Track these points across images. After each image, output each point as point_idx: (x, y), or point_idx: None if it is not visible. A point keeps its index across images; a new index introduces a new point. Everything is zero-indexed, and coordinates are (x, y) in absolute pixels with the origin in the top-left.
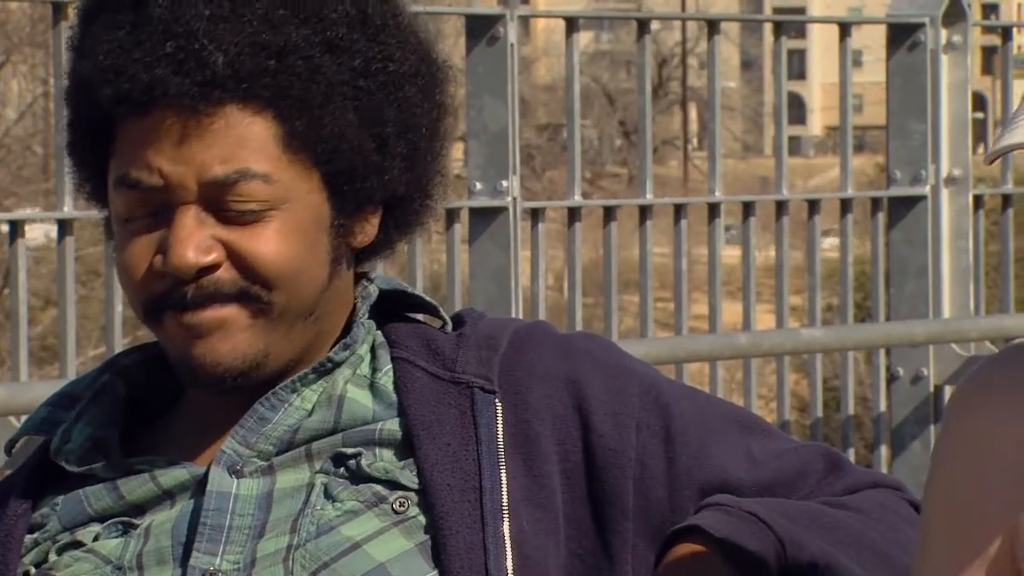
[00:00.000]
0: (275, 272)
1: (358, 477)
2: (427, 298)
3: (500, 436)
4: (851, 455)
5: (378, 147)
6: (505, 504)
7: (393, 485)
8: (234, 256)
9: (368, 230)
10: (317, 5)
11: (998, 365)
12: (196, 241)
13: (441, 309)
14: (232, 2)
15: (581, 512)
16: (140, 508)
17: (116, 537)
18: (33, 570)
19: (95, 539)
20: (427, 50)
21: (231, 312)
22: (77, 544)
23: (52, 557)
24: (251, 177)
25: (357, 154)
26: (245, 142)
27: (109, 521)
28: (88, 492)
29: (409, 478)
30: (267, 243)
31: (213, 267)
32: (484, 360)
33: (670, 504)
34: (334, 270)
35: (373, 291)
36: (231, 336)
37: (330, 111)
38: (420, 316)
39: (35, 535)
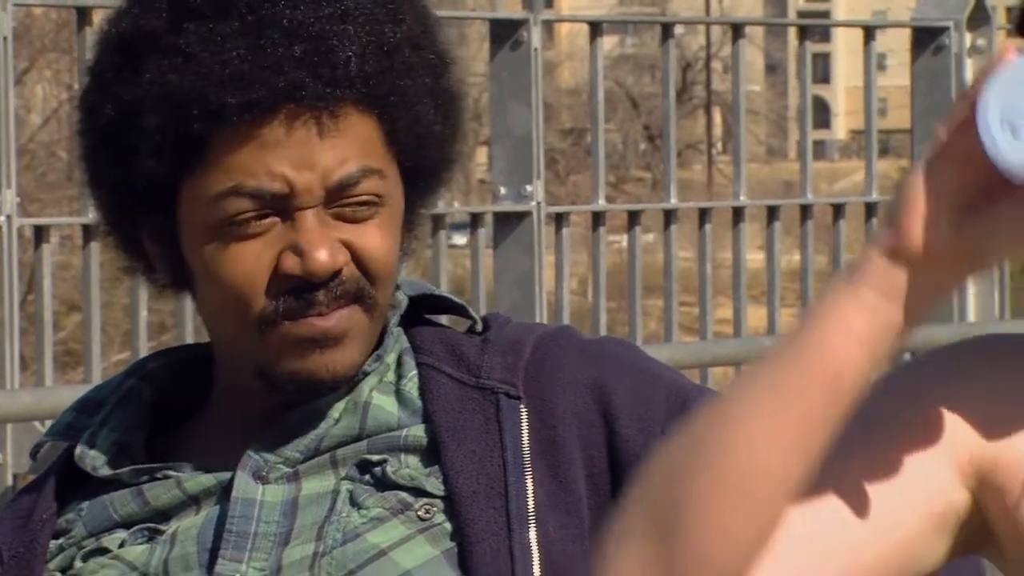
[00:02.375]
0: (384, 269)
1: (383, 484)
2: (456, 299)
3: (526, 442)
4: None
5: (452, 142)
6: (531, 510)
7: (418, 492)
8: (354, 255)
9: (416, 230)
10: (404, 4)
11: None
12: (329, 244)
13: (470, 308)
14: (337, 4)
15: (606, 518)
16: (165, 514)
17: (142, 543)
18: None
19: (121, 545)
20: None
21: (354, 315)
22: (103, 550)
23: (78, 563)
24: (371, 173)
25: (440, 149)
26: (358, 142)
27: (135, 527)
28: (113, 498)
29: (435, 485)
30: (376, 239)
31: (341, 269)
32: (509, 365)
33: None
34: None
35: (402, 300)
36: (351, 343)
37: (422, 108)
38: (444, 319)
39: (60, 540)
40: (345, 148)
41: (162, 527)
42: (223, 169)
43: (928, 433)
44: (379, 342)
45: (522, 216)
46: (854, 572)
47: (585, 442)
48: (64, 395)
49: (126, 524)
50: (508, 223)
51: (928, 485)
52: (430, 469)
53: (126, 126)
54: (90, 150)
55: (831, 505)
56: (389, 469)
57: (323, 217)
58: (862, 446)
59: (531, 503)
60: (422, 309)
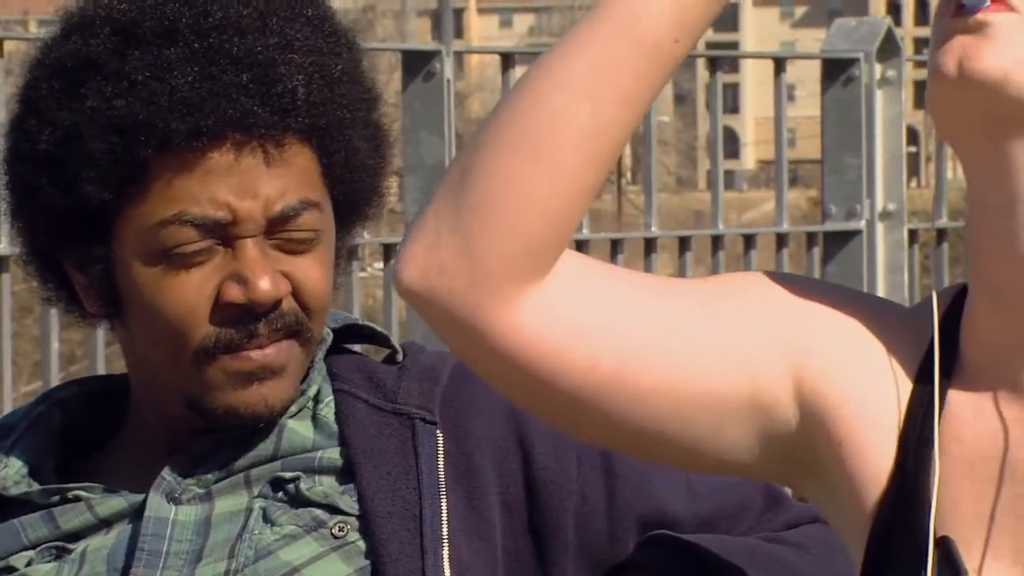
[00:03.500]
0: (320, 302)
1: (297, 501)
2: (378, 328)
3: (441, 467)
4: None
5: (382, 173)
6: (445, 534)
7: (333, 510)
8: (293, 288)
9: (341, 263)
10: (342, 38)
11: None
12: (271, 273)
13: (392, 338)
14: (283, 34)
15: (521, 544)
16: (75, 535)
17: (49, 562)
18: None
19: (28, 564)
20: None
21: (292, 348)
22: (9, 570)
23: None
24: (311, 206)
25: (371, 180)
26: (300, 171)
27: (42, 546)
28: (24, 522)
29: (349, 503)
30: (314, 272)
31: (280, 301)
32: (425, 392)
33: (610, 536)
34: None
35: (327, 335)
36: (288, 376)
37: (356, 140)
38: (358, 347)
39: None
40: (287, 179)
41: (70, 546)
42: (166, 196)
43: (794, 327)
44: (304, 376)
45: None
46: (639, 344)
47: (500, 468)
48: None
49: (35, 547)
50: None
51: (765, 363)
52: (345, 488)
53: (66, 152)
54: (20, 177)
55: (675, 291)
56: (303, 486)
57: (263, 247)
58: (748, 289)
59: (445, 527)
60: (340, 338)
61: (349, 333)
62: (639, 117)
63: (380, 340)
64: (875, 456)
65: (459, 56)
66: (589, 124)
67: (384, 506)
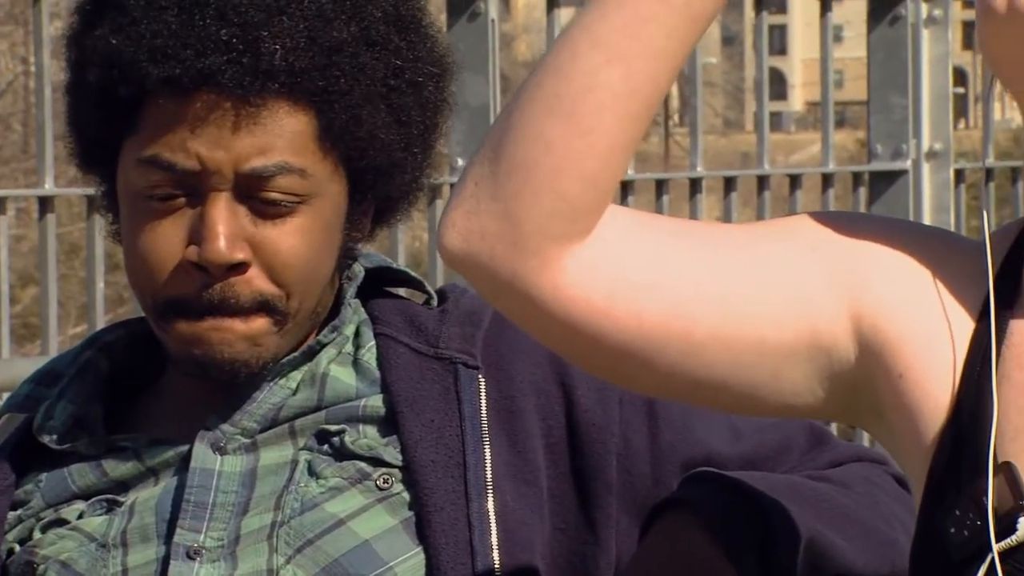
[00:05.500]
0: (295, 272)
1: (342, 454)
2: (412, 273)
3: (484, 412)
4: (833, 428)
5: (404, 147)
6: (489, 480)
7: (377, 462)
8: (260, 254)
9: (365, 225)
10: (362, 2)
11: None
12: (230, 233)
13: (426, 283)
14: None
15: (565, 487)
16: (124, 485)
17: (100, 515)
18: (17, 547)
19: (79, 516)
20: (442, 48)
21: (257, 324)
22: (61, 522)
23: (36, 535)
24: (289, 171)
25: (385, 153)
26: (285, 135)
27: (93, 499)
28: (72, 469)
29: (392, 455)
30: (291, 241)
31: (242, 267)
32: (467, 336)
33: (653, 479)
34: (338, 264)
35: (359, 271)
36: (255, 348)
37: (368, 109)
38: (402, 291)
39: (18, 512)
40: (266, 139)
41: (120, 498)
42: (151, 137)
43: (848, 264)
44: (336, 313)
45: None
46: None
47: (543, 412)
48: (20, 367)
49: (84, 495)
50: None
51: (819, 303)
52: (388, 439)
53: (77, 79)
54: (68, 109)
55: (722, 239)
56: (347, 439)
57: (234, 207)
58: (797, 231)
59: (489, 473)
60: (381, 282)
61: (386, 277)
62: (674, 74)
63: (414, 284)
64: (936, 390)
65: None
66: (622, 84)
67: (427, 455)
